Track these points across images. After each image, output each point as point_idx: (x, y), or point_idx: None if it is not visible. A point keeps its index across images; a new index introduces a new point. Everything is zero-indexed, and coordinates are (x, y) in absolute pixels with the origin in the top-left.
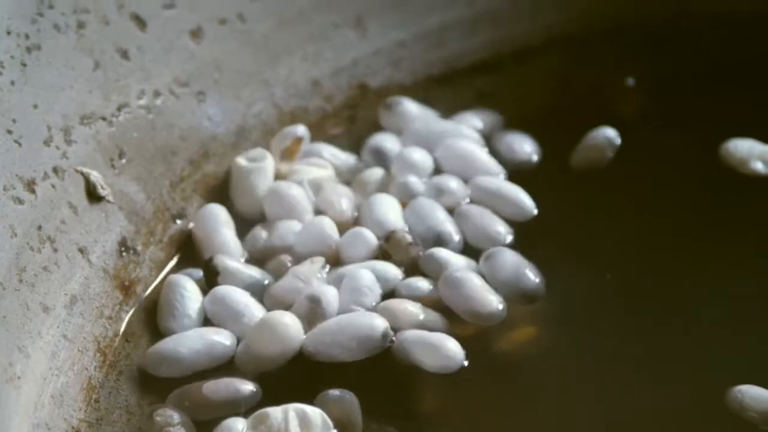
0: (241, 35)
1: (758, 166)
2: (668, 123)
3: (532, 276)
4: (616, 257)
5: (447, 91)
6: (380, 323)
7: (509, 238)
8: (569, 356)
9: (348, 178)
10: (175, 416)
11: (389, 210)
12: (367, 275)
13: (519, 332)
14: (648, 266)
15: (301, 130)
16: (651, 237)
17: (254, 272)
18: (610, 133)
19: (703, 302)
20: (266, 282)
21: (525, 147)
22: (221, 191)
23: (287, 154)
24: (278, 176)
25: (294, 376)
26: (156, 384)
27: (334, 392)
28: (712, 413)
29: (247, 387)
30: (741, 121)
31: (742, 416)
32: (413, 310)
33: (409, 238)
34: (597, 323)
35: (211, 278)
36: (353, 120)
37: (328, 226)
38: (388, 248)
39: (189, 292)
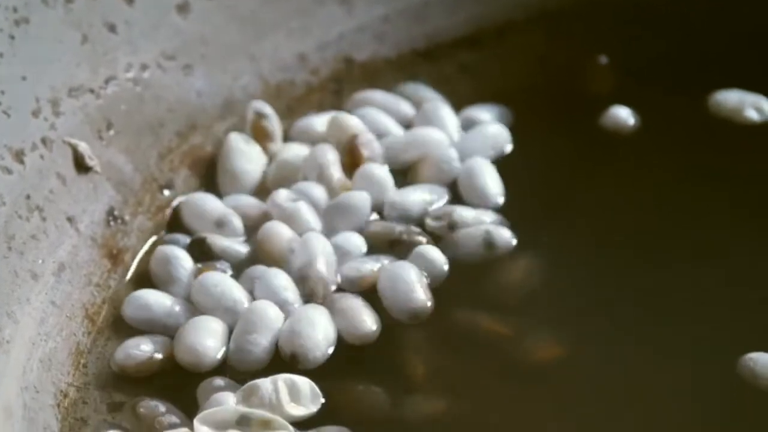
0: (228, 10)
1: (752, 115)
2: (649, 93)
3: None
4: (617, 228)
5: (431, 65)
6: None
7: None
8: (583, 347)
9: None
10: (160, 406)
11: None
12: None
13: (544, 348)
14: (655, 232)
15: (260, 105)
16: (654, 205)
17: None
18: (623, 113)
19: (712, 268)
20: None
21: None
22: (208, 163)
23: (257, 133)
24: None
25: None
26: None
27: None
28: (724, 382)
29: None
30: (720, 81)
31: (754, 384)
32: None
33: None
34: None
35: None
36: (339, 93)
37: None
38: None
39: (182, 261)
